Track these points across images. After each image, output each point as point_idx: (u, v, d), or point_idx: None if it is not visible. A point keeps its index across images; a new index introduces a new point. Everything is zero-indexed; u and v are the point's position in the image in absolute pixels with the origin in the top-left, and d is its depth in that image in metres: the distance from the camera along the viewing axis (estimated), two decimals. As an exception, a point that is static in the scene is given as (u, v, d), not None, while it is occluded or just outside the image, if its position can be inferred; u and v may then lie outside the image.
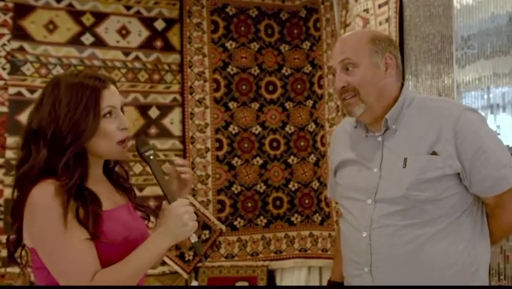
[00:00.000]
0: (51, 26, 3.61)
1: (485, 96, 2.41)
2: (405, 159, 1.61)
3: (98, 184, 1.49)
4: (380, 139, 1.70)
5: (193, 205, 1.42)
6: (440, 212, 1.59)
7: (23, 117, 3.50)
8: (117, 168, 1.63)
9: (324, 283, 3.78)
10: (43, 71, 3.56)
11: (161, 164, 3.64)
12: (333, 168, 1.87)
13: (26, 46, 3.54)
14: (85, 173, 1.44)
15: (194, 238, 1.44)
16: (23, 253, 1.48)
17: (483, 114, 2.41)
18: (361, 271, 1.65)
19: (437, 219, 1.59)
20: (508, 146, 2.30)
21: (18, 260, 1.48)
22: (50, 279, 1.40)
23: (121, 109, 1.52)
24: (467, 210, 1.63)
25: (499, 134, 2.35)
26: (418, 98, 1.74)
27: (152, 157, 1.52)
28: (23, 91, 3.52)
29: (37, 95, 3.47)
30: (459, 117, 1.59)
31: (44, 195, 1.35)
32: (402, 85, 1.74)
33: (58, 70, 3.58)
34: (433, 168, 1.58)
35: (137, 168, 3.66)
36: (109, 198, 1.50)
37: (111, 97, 1.47)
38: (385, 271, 1.61)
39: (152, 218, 1.67)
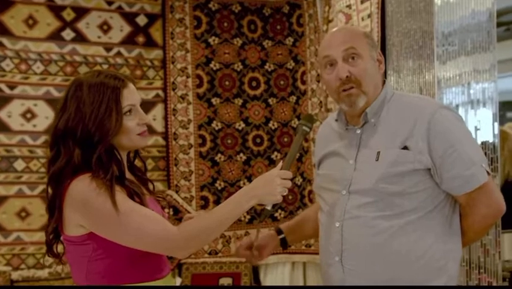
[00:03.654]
0: (31, 21, 3.56)
1: (466, 92, 2.43)
2: (378, 152, 1.65)
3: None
4: (358, 132, 1.73)
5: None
6: (409, 206, 1.62)
7: (3, 114, 3.46)
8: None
9: (309, 279, 3.81)
10: (23, 66, 3.51)
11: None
12: (316, 162, 1.91)
13: (5, 41, 3.48)
14: (121, 165, 1.54)
15: (269, 207, 1.57)
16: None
17: (463, 109, 2.44)
18: (333, 260, 1.69)
19: (407, 212, 1.61)
20: (487, 141, 2.33)
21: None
22: (92, 267, 1.49)
23: (140, 105, 1.61)
24: (438, 206, 1.65)
25: (479, 129, 2.38)
26: (397, 94, 1.78)
27: (303, 132, 1.69)
28: (3, 87, 3.47)
29: (17, 91, 3.47)
30: (434, 114, 1.62)
31: (90, 186, 1.44)
32: (384, 81, 1.78)
33: (38, 66, 3.54)
34: (403, 162, 1.60)
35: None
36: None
37: (130, 95, 1.56)
38: (354, 260, 1.65)
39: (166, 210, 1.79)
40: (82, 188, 1.45)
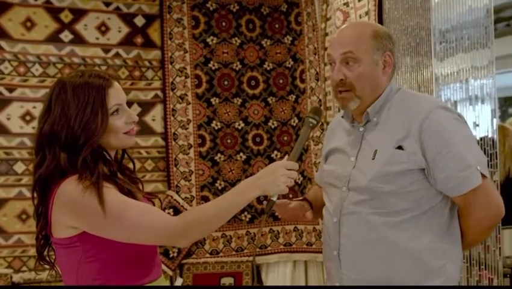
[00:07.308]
0: (29, 24, 3.56)
1: (464, 88, 2.43)
2: (375, 151, 1.66)
3: None
4: (361, 130, 1.75)
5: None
6: (403, 205, 1.62)
7: (3, 116, 3.46)
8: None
9: (310, 278, 3.80)
10: (22, 69, 3.51)
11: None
12: (323, 156, 1.93)
13: (4, 44, 3.48)
14: (111, 165, 1.52)
15: (274, 198, 1.53)
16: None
17: (462, 106, 2.43)
18: (331, 254, 1.73)
19: (401, 211, 1.62)
20: (486, 136, 2.33)
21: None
22: (83, 270, 1.46)
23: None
24: (435, 207, 1.65)
25: (477, 126, 2.37)
26: (401, 92, 1.77)
27: (310, 124, 1.66)
28: (2, 89, 3.47)
29: (15, 94, 3.47)
30: (429, 114, 1.62)
31: (77, 187, 1.42)
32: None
33: (36, 68, 3.54)
34: (397, 162, 1.61)
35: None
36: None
37: (116, 94, 1.53)
38: (350, 255, 1.69)
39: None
40: (71, 190, 1.43)
